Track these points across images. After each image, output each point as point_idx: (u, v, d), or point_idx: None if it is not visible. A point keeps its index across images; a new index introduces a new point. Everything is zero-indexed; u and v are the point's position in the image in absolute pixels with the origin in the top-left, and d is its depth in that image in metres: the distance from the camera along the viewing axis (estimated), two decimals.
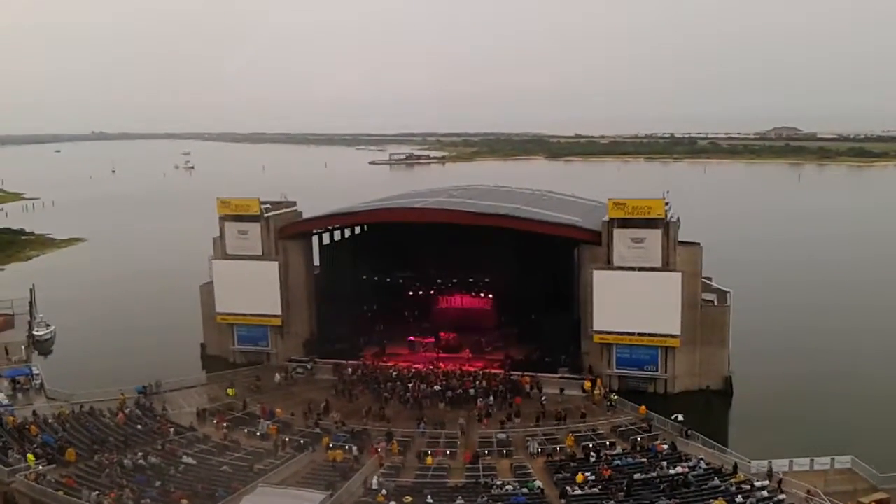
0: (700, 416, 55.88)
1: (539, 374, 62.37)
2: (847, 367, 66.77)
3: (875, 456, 45.08)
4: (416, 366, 66.27)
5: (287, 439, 52.60)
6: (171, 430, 54.17)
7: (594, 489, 43.51)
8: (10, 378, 64.16)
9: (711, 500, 40.65)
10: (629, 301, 60.31)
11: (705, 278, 65.47)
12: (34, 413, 55.82)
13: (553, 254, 68.56)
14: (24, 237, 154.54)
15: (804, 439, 51.12)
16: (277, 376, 65.66)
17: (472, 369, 64.97)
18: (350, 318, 72.90)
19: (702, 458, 47.29)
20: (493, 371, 64.31)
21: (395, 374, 64.34)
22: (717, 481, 43.61)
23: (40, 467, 46.03)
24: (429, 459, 49.34)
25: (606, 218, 61.53)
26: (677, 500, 41.18)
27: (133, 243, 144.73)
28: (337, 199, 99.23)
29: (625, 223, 60.84)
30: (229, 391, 62.35)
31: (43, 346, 78.02)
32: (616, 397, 58.73)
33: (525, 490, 43.88)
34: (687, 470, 45.10)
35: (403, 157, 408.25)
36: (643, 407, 55.89)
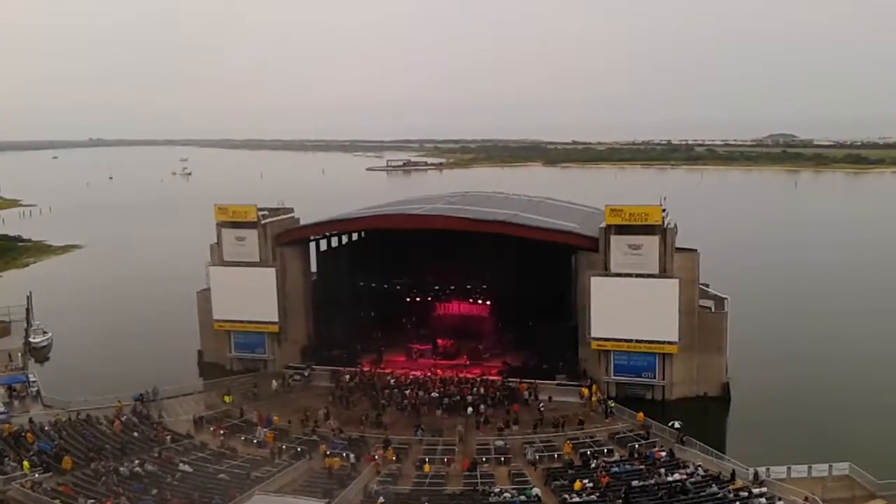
0: (698, 422, 55.77)
1: (536, 381, 62.29)
2: (845, 373, 66.82)
3: (873, 463, 45.00)
4: (414, 373, 66.15)
5: (284, 447, 52.39)
6: (168, 437, 54.00)
7: (592, 496, 43.38)
8: (6, 385, 63.94)
9: None
10: (626, 308, 60.28)
11: (702, 285, 65.56)
12: (30, 421, 55.61)
13: (550, 260, 68.60)
14: (20, 244, 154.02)
15: (802, 446, 51.10)
16: (274, 383, 65.49)
17: (469, 376, 64.89)
18: (347, 325, 72.78)
19: (700, 465, 47.23)
20: (491, 378, 64.25)
21: (392, 380, 64.19)
22: (714, 488, 43.53)
23: (36, 475, 45.83)
24: (426, 467, 49.20)
25: (603, 224, 61.58)
26: None
27: (130, 250, 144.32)
28: (334, 205, 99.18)
29: (622, 230, 60.84)
30: (226, 398, 62.15)
31: (39, 354, 77.66)
32: (614, 404, 58.64)
33: (523, 497, 43.71)
34: (685, 477, 45.02)
35: (401, 163, 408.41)
36: (641, 414, 55.81)
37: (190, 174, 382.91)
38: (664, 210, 61.22)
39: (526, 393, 60.98)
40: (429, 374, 65.64)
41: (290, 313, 70.89)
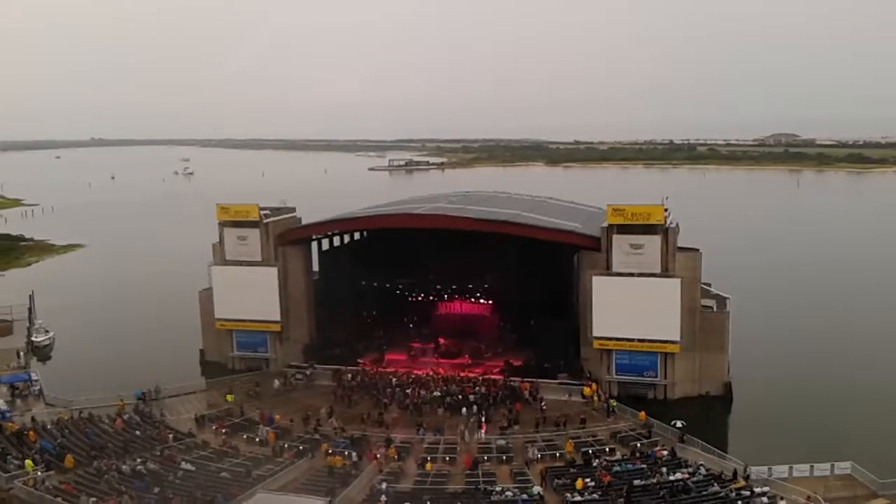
0: (699, 422, 55.75)
1: (538, 380, 62.30)
2: (847, 372, 66.78)
3: (875, 462, 45.02)
4: (416, 372, 66.20)
5: (286, 445, 52.48)
6: (170, 436, 54.07)
7: (594, 495, 43.41)
8: (8, 384, 64.06)
9: None
10: (628, 307, 60.29)
11: (704, 284, 65.54)
12: (33, 419, 55.80)
13: (552, 260, 68.60)
14: (23, 243, 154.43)
15: (804, 445, 51.08)
16: (276, 382, 65.57)
17: (471, 375, 64.91)
18: (349, 324, 72.87)
19: (701, 464, 47.23)
20: (493, 377, 64.26)
21: (394, 379, 64.22)
22: (716, 487, 43.54)
23: (39, 473, 45.91)
24: (428, 465, 49.24)
25: (605, 224, 61.59)
26: None
27: (132, 249, 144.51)
28: (336, 204, 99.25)
29: (624, 229, 60.84)
30: (228, 397, 62.24)
31: (42, 352, 77.86)
32: (616, 403, 58.65)
33: (525, 496, 43.76)
34: (687, 476, 45.02)
35: (403, 163, 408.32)
36: (643, 413, 55.82)
37: (192, 174, 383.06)
38: (666, 210, 61.22)
39: (527, 392, 60.99)
40: (430, 373, 65.67)
41: (291, 312, 70.95)
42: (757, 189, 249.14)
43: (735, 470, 45.54)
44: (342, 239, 79.89)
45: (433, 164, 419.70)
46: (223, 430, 55.30)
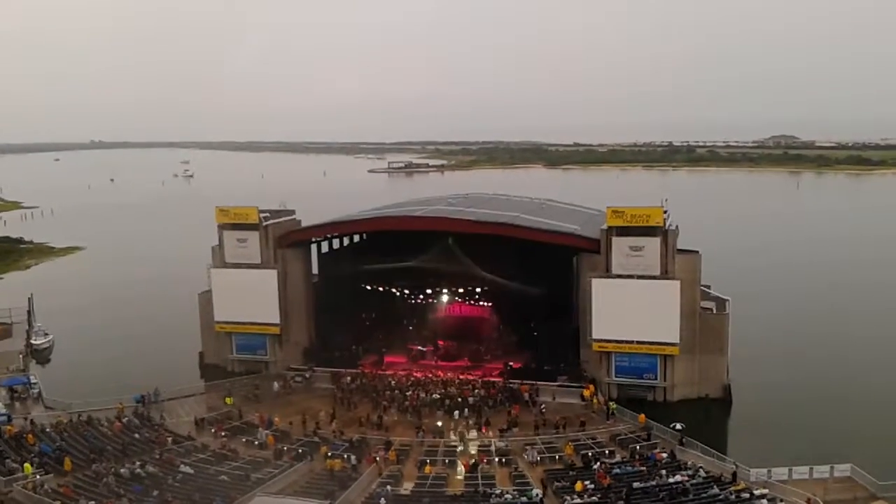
0: (699, 424, 55.70)
1: (538, 383, 62.26)
2: (846, 374, 66.77)
3: (875, 464, 44.94)
4: (415, 374, 66.13)
5: (285, 448, 52.43)
6: (169, 439, 53.99)
7: (593, 498, 43.34)
8: (7, 387, 64.01)
9: None
10: (628, 309, 60.29)
11: (704, 286, 65.48)
12: (31, 422, 55.65)
13: (552, 262, 68.50)
14: (22, 246, 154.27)
15: (803, 447, 50.90)
16: (276, 385, 65.50)
17: (471, 378, 64.85)
18: (349, 327, 72.81)
19: (701, 467, 47.17)
20: (492, 379, 64.20)
21: (393, 382, 64.20)
22: (716, 490, 43.46)
23: (37, 476, 45.79)
24: (427, 468, 49.18)
25: (605, 226, 61.57)
26: None
27: (132, 252, 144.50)
28: (336, 206, 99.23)
29: (623, 231, 60.84)
30: (227, 400, 62.20)
31: (41, 355, 77.78)
32: (615, 405, 58.61)
33: (524, 499, 43.65)
34: (686, 478, 44.95)
35: (402, 165, 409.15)
36: (642, 415, 55.77)
37: (191, 176, 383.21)
38: (665, 212, 61.20)
39: (527, 394, 60.92)
40: (430, 375, 65.61)
41: (291, 315, 70.90)
42: (757, 191, 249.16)
43: (734, 472, 45.47)
44: (342, 241, 79.80)
45: (433, 166, 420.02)
46: (222, 433, 55.25)
